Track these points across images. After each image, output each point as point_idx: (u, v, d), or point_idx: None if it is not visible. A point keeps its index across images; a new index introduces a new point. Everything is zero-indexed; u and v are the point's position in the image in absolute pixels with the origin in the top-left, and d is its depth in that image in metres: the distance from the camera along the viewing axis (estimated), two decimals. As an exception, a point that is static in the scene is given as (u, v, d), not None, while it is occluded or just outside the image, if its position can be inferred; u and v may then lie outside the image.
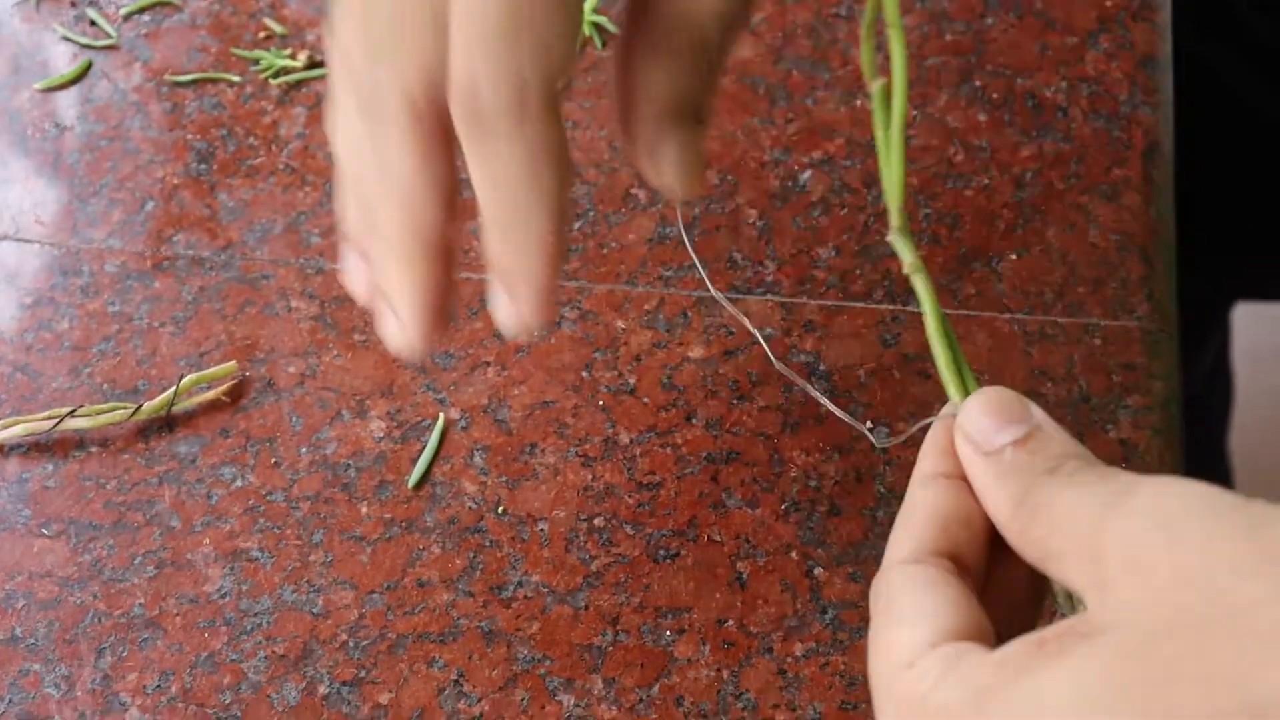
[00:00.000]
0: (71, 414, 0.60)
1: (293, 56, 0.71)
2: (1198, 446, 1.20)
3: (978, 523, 0.43)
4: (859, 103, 0.68)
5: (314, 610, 0.57)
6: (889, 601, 0.42)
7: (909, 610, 0.41)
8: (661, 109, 0.49)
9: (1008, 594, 0.42)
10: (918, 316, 0.61)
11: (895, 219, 0.47)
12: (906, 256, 0.48)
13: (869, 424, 0.59)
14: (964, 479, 0.43)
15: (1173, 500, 0.37)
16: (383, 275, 0.48)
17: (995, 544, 0.43)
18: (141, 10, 0.73)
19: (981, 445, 0.42)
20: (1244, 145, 0.94)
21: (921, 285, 0.49)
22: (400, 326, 0.48)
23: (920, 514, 0.43)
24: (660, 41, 0.48)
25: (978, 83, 0.68)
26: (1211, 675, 0.34)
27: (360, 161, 0.48)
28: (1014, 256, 0.63)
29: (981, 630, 0.40)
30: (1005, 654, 0.38)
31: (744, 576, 0.56)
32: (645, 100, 0.48)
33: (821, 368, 0.61)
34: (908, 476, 0.57)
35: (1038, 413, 0.43)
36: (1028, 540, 0.41)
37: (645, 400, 0.61)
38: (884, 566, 0.43)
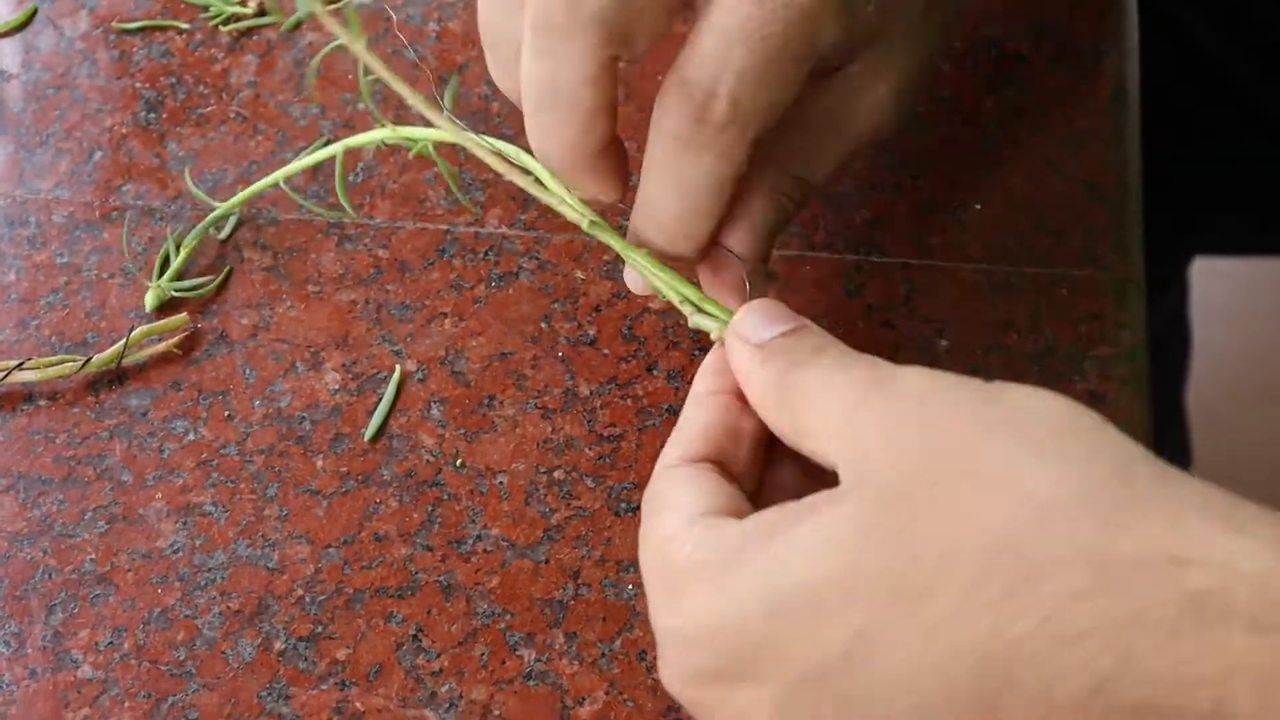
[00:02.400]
0: (19, 367, 0.59)
1: (243, 3, 0.69)
2: (1154, 400, 1.20)
3: (746, 433, 0.46)
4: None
5: (269, 565, 0.56)
6: (654, 498, 0.45)
7: (670, 499, 0.44)
8: (759, 239, 0.51)
9: (779, 499, 0.44)
10: (881, 266, 0.61)
11: (582, 222, 0.51)
12: (583, 220, 0.51)
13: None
14: (734, 395, 0.46)
15: (926, 381, 0.41)
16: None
17: (766, 453, 0.46)
18: (88, -45, 0.72)
19: (750, 338, 0.45)
20: (1206, 100, 0.93)
21: (607, 236, 0.51)
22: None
23: (688, 428, 0.46)
24: (778, 185, 0.51)
25: (941, 31, 0.67)
26: (948, 518, 0.38)
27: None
28: (979, 206, 0.62)
29: (741, 512, 0.43)
30: (759, 519, 0.42)
31: (707, 529, 0.56)
32: (748, 228, 0.51)
33: (784, 318, 0.60)
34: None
35: (807, 320, 0.46)
36: (783, 418, 0.44)
37: (605, 351, 0.60)
38: (653, 473, 0.46)
